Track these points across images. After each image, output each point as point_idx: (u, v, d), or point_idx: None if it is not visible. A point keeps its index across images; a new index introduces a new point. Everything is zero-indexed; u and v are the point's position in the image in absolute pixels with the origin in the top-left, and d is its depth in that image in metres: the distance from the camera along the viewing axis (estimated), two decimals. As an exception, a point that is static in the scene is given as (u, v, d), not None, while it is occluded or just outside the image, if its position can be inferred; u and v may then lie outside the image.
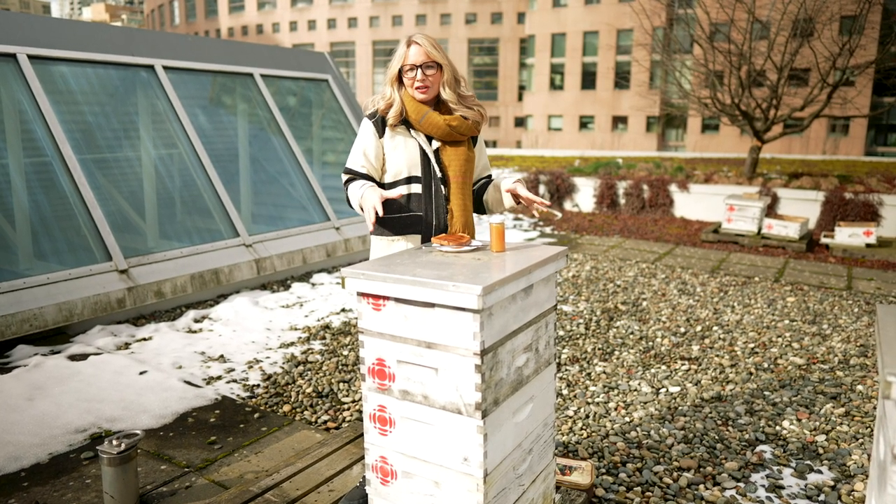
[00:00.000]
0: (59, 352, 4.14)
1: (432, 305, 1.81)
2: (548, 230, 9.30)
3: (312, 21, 51.04)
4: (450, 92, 2.36)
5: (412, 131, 2.36)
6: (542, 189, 11.44)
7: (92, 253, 4.75)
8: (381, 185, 2.43)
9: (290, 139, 6.80)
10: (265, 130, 6.78)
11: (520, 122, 45.35)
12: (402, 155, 2.35)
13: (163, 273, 5.02)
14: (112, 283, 4.70)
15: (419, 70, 2.30)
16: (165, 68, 6.00)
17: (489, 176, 2.59)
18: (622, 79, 36.51)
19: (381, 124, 2.36)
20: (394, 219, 2.39)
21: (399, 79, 2.37)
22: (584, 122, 40.74)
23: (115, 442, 2.48)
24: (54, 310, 4.32)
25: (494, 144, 46.59)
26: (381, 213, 2.10)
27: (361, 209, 2.25)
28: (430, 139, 2.37)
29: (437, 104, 2.39)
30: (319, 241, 6.35)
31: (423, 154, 2.36)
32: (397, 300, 1.88)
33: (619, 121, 39.53)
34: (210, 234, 5.60)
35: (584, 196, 11.15)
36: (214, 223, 5.70)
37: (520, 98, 45.40)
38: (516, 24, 45.03)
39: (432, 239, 2.23)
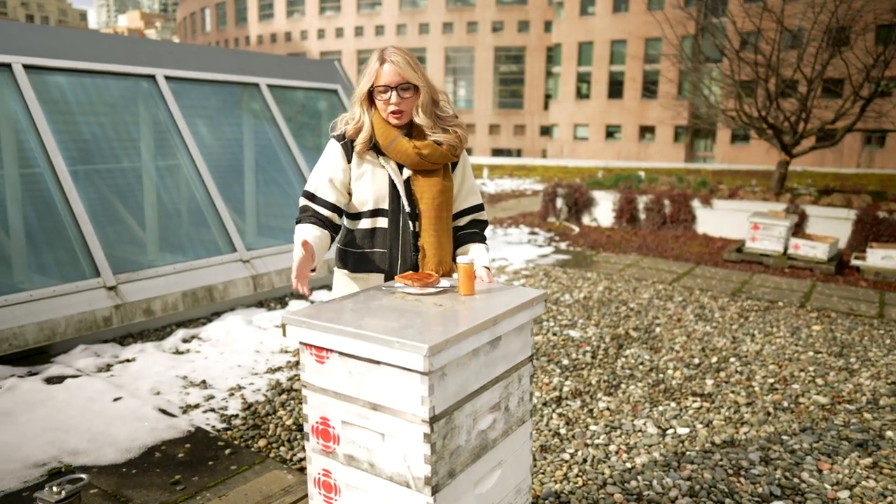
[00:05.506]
0: (36, 373, 3.98)
1: (378, 362, 1.57)
2: (563, 246, 9.00)
3: (340, 29, 51.34)
4: (424, 116, 2.08)
5: (381, 158, 2.11)
6: (559, 203, 11.14)
7: (79, 269, 4.60)
8: (349, 215, 2.20)
9: (294, 151, 6.63)
10: (269, 142, 6.62)
11: (545, 130, 44.98)
12: (368, 185, 2.11)
13: (153, 290, 4.85)
14: (99, 300, 4.55)
15: (393, 92, 2.04)
16: (167, 78, 5.87)
17: (478, 207, 2.30)
18: (649, 89, 35.97)
19: (349, 148, 2.13)
20: (356, 254, 2.15)
21: (370, 99, 2.13)
22: (611, 132, 40.25)
23: (55, 488, 2.28)
24: (35, 328, 4.17)
25: (519, 153, 46.29)
26: (305, 293, 1.88)
27: None
28: (401, 167, 2.12)
29: (411, 125, 2.14)
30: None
31: (392, 185, 2.11)
32: (341, 354, 1.64)
33: (646, 131, 38.97)
34: (205, 249, 5.43)
35: (603, 210, 10.82)
36: (210, 238, 5.53)
37: (546, 107, 45.04)
38: (543, 33, 44.72)
39: (396, 277, 1.99)
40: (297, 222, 2.12)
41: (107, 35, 5.86)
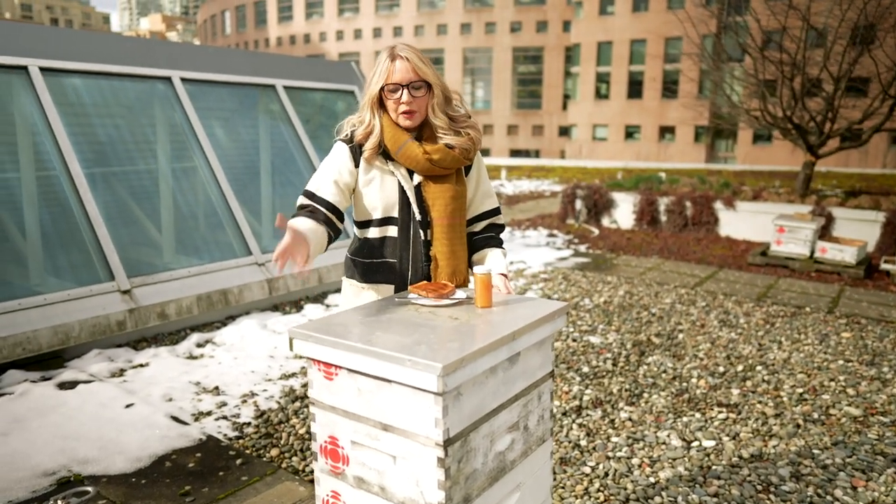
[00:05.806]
0: (49, 378, 3.95)
1: (388, 381, 1.48)
2: (582, 249, 8.86)
3: (358, 30, 51.45)
4: (440, 115, 1.99)
5: (390, 164, 2.01)
6: (578, 204, 10.99)
7: (94, 272, 4.57)
8: (357, 224, 2.12)
9: (310, 152, 6.57)
10: (286, 144, 6.57)
11: (564, 131, 44.68)
12: (376, 193, 2.01)
13: (168, 294, 4.81)
14: (113, 304, 4.51)
15: (405, 90, 1.94)
16: (183, 80, 5.84)
17: (495, 211, 2.20)
18: (669, 89, 35.56)
19: (357, 152, 2.03)
20: (364, 264, 2.06)
21: (380, 101, 2.03)
22: (630, 132, 39.86)
23: (59, 503, 2.22)
24: (49, 333, 4.14)
25: (538, 154, 46.03)
26: (295, 268, 1.71)
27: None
28: (411, 172, 2.03)
29: (422, 128, 2.04)
30: (337, 260, 6.08)
31: (402, 192, 2.01)
32: (350, 370, 1.55)
33: (666, 131, 38.54)
34: (220, 253, 5.39)
35: (623, 212, 10.65)
36: (226, 241, 5.49)
37: (564, 107, 44.74)
38: (562, 33, 44.43)
39: (410, 288, 1.90)
40: (301, 208, 1.99)
41: (123, 37, 5.85)
